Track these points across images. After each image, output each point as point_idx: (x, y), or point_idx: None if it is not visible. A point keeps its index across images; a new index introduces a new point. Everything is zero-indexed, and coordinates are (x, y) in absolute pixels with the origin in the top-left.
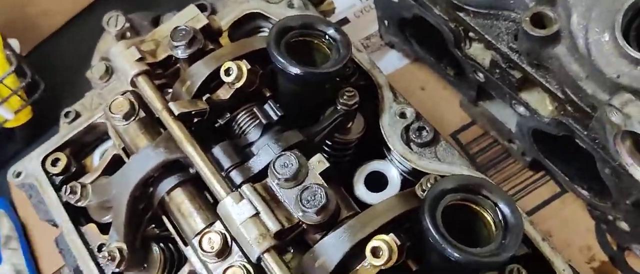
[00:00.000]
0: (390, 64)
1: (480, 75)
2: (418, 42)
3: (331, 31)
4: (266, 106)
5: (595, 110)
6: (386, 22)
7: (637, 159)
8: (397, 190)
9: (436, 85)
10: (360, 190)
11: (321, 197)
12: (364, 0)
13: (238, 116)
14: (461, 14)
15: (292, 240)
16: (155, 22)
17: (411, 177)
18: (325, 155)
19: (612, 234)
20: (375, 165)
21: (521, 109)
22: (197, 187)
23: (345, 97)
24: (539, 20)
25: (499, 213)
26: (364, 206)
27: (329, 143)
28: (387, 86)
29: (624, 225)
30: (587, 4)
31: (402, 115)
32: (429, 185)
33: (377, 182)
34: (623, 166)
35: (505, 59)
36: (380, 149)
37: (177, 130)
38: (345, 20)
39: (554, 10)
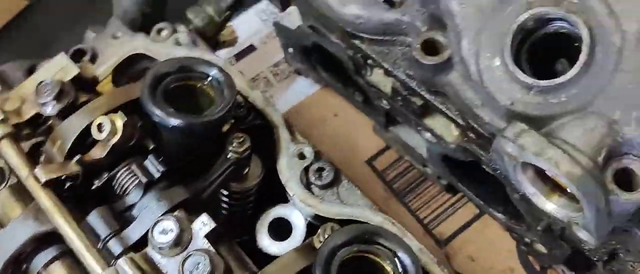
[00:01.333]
0: (301, 91)
1: (384, 102)
2: (324, 69)
3: (214, 72)
4: (146, 162)
5: (495, 137)
6: (290, 49)
7: (540, 188)
8: (301, 237)
9: (349, 110)
10: (264, 240)
11: (205, 266)
12: (270, 25)
13: (117, 176)
14: (356, 42)
15: None
16: (31, 73)
17: (316, 222)
18: (225, 206)
19: (532, 255)
20: (278, 211)
21: (427, 135)
22: (77, 259)
23: (234, 144)
24: (430, 46)
25: (398, 263)
26: (269, 258)
27: (226, 193)
28: (283, 125)
29: (540, 247)
30: (476, 28)
31: (301, 155)
32: (325, 236)
33: (283, 228)
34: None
35: (404, 86)
36: (284, 193)
37: (44, 199)
38: (251, 48)
39: (445, 36)
